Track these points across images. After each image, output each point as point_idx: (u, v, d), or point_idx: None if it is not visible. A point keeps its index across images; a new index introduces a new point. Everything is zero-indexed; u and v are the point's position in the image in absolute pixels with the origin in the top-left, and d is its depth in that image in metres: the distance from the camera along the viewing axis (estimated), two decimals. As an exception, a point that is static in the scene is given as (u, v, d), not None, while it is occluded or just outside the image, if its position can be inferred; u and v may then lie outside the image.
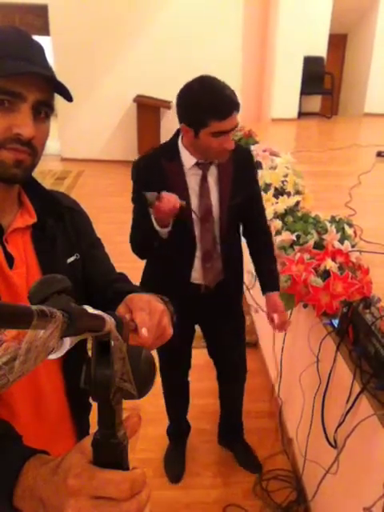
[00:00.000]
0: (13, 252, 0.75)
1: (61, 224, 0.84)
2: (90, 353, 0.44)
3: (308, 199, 2.38)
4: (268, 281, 1.72)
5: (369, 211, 2.75)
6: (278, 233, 2.01)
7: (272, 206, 2.22)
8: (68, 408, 0.87)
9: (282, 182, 2.47)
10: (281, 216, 2.19)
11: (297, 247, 1.87)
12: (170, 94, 6.31)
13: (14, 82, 0.65)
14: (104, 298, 0.83)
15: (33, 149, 0.69)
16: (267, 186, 2.48)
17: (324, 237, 1.88)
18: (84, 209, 0.95)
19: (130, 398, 0.44)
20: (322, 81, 7.34)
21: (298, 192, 2.41)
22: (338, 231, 1.90)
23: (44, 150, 0.72)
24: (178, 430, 2.10)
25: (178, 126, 1.44)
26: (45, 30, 6.41)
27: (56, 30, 6.29)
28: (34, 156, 0.71)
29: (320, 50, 6.97)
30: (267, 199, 2.27)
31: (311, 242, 1.83)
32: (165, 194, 1.34)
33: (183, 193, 1.47)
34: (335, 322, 1.53)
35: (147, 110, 6.25)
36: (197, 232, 1.54)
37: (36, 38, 0.70)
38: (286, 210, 2.22)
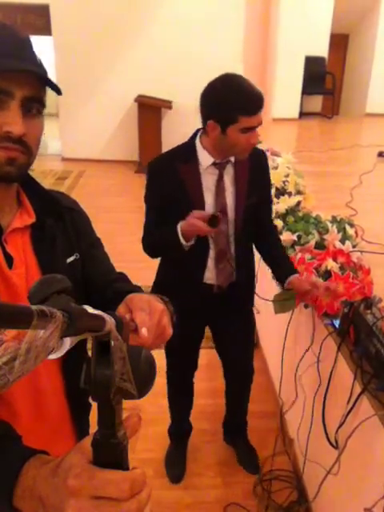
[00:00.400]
0: (12, 252, 0.75)
1: (60, 224, 0.84)
2: (89, 353, 0.44)
3: (309, 199, 2.38)
4: (288, 266, 1.66)
5: (370, 211, 2.75)
6: (279, 233, 2.01)
7: (273, 206, 2.22)
8: (68, 408, 0.87)
9: (283, 181, 2.47)
10: (282, 216, 2.19)
11: (298, 247, 1.87)
12: (171, 94, 6.37)
13: (1, 79, 0.64)
14: (104, 298, 0.83)
15: (25, 146, 0.68)
16: (268, 186, 2.48)
17: (325, 237, 1.88)
18: (84, 209, 0.94)
19: (130, 397, 0.44)
20: (324, 81, 7.34)
21: (299, 192, 2.41)
22: (339, 231, 1.90)
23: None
24: (180, 430, 2.11)
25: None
26: (46, 30, 6.41)
27: (57, 30, 6.29)
28: (28, 154, 0.70)
29: (321, 49, 6.98)
30: (268, 199, 2.27)
31: (312, 242, 1.82)
32: (192, 220, 1.37)
33: (198, 193, 1.49)
34: (336, 323, 1.53)
35: (148, 109, 6.25)
36: None
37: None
38: (287, 210, 2.23)
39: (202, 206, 1.50)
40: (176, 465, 2.04)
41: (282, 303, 1.76)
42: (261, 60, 7.05)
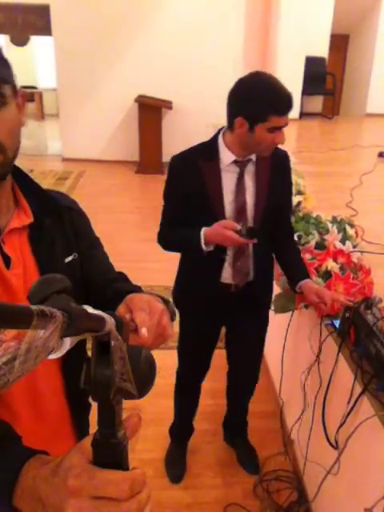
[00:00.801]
0: (9, 252, 0.74)
1: (59, 224, 0.83)
2: (89, 353, 0.44)
3: (309, 199, 2.38)
4: (302, 270, 1.65)
5: (370, 212, 2.75)
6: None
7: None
8: (68, 408, 0.87)
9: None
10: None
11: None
12: (172, 94, 6.36)
13: None
14: (103, 298, 0.83)
15: None
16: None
17: (325, 237, 1.88)
18: (84, 209, 0.94)
19: (130, 397, 0.44)
20: (324, 81, 7.35)
21: (299, 192, 2.41)
22: (339, 232, 1.90)
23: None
24: (181, 431, 2.10)
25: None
26: (47, 30, 6.42)
27: (58, 30, 6.29)
28: (1, 149, 0.66)
29: (322, 50, 6.98)
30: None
31: (313, 243, 1.82)
32: (221, 230, 1.39)
33: (218, 191, 1.49)
34: (336, 323, 1.53)
35: (148, 110, 6.25)
36: None
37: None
38: (287, 211, 2.22)
39: (221, 204, 1.50)
40: (176, 465, 2.04)
41: (283, 303, 1.77)
42: (261, 60, 7.04)
